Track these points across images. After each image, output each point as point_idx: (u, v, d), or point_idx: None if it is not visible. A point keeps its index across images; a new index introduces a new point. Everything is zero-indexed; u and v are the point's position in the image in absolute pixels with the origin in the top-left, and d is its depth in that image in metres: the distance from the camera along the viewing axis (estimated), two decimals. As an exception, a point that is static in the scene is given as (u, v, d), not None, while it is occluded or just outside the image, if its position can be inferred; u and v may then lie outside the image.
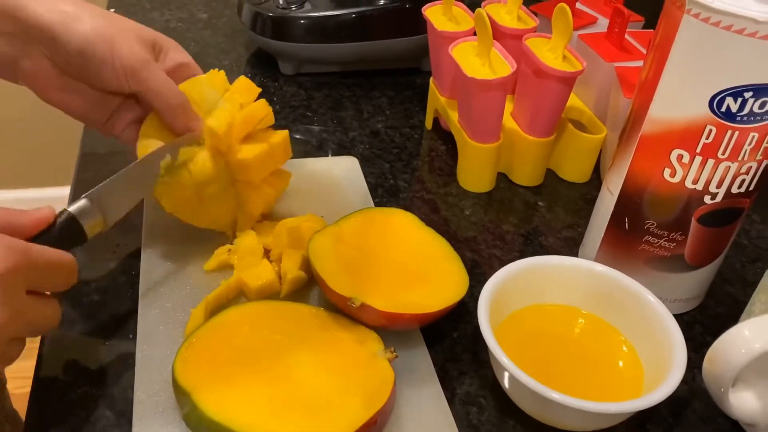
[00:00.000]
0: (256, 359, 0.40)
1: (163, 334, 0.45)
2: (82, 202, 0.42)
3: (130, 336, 0.45)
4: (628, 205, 0.47)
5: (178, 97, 0.47)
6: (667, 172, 0.44)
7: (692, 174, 0.43)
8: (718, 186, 0.44)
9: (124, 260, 0.51)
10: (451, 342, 0.47)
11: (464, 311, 0.50)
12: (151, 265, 0.50)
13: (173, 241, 0.51)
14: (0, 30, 0.45)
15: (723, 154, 0.42)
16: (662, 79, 0.42)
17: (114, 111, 0.50)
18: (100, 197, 0.42)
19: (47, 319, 0.39)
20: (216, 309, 0.45)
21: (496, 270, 0.45)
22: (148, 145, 0.48)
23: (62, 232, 0.40)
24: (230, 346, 0.41)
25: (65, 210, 0.41)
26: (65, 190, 0.60)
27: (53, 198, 1.67)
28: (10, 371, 0.74)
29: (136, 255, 0.51)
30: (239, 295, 0.48)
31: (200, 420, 0.37)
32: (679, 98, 0.42)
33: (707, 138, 0.42)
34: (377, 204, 0.58)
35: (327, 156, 0.64)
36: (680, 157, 0.43)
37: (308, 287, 0.49)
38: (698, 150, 0.42)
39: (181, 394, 0.38)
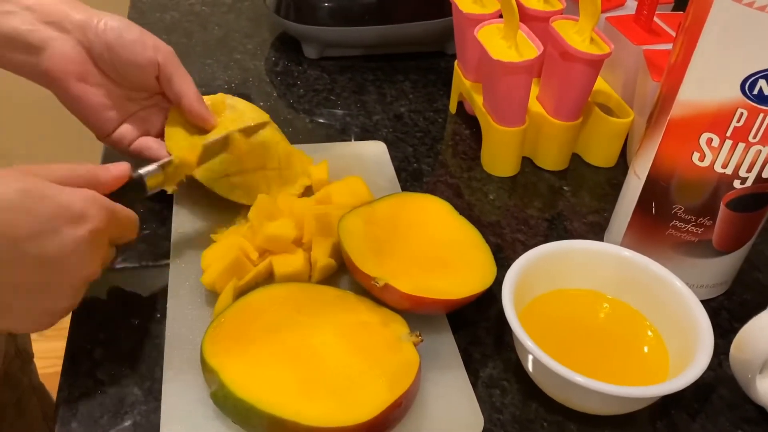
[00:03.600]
0: (283, 340, 0.41)
1: (192, 313, 0.45)
2: (152, 167, 0.48)
3: (158, 315, 0.46)
4: (656, 189, 0.47)
5: (198, 94, 0.52)
6: (695, 156, 0.43)
7: (722, 158, 0.43)
8: (749, 170, 0.43)
9: (154, 241, 0.52)
10: (474, 325, 0.47)
11: (488, 295, 0.49)
12: (181, 245, 0.50)
13: (204, 222, 0.52)
14: (43, 16, 0.47)
15: (754, 137, 0.41)
16: (692, 61, 0.41)
17: (125, 120, 0.53)
18: (167, 164, 0.49)
19: (107, 262, 0.44)
20: (244, 291, 0.45)
21: (519, 254, 0.45)
22: (173, 133, 0.52)
23: (130, 188, 0.45)
24: (257, 326, 0.41)
25: (137, 171, 0.47)
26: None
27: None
28: (39, 351, 0.76)
29: (166, 236, 0.51)
30: (268, 280, 0.48)
31: (227, 398, 0.38)
32: (710, 81, 0.41)
33: (738, 121, 0.41)
34: (400, 188, 0.58)
35: (350, 139, 0.64)
36: (710, 141, 0.42)
37: (338, 275, 0.49)
38: (728, 134, 0.42)
39: (208, 372, 0.39)
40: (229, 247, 0.47)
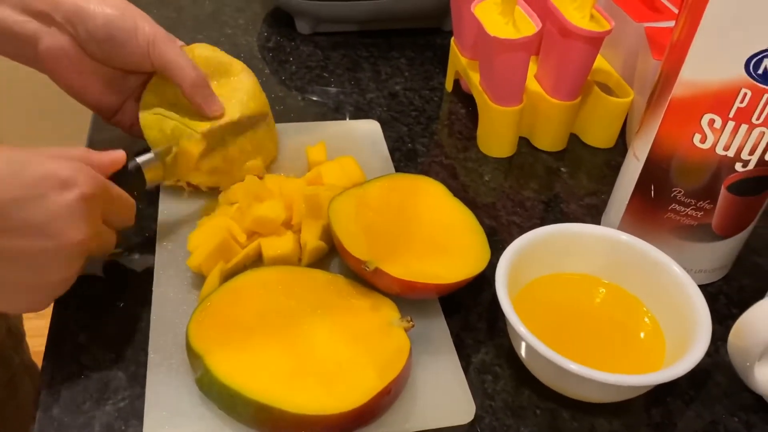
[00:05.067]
0: (270, 325, 0.40)
1: (178, 296, 0.44)
2: (149, 155, 0.46)
3: (144, 298, 0.45)
4: (655, 171, 0.45)
5: (198, 72, 0.49)
6: (697, 137, 0.42)
7: (724, 140, 0.41)
8: (751, 153, 0.42)
9: (140, 222, 0.50)
10: (467, 310, 0.46)
11: (482, 279, 0.48)
12: (167, 226, 0.49)
13: (192, 203, 0.51)
14: (31, 7, 0.46)
15: (758, 119, 0.40)
16: (695, 39, 0.40)
17: (127, 99, 0.51)
18: (164, 154, 0.48)
19: (108, 246, 0.43)
20: (232, 274, 0.44)
21: (515, 237, 0.44)
22: (149, 118, 0.49)
23: (128, 177, 0.45)
24: (245, 310, 0.40)
25: (134, 159, 0.46)
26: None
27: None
28: (31, 329, 0.76)
29: (152, 217, 0.50)
30: (257, 262, 0.47)
31: (212, 384, 0.37)
32: (713, 60, 0.40)
33: (741, 102, 0.40)
34: (394, 169, 0.57)
35: (344, 118, 0.63)
36: (711, 122, 0.41)
37: (328, 258, 0.48)
38: (731, 115, 0.40)
39: (194, 357, 0.38)
40: (216, 229, 0.45)
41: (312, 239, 0.46)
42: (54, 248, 0.37)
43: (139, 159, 0.46)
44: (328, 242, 0.47)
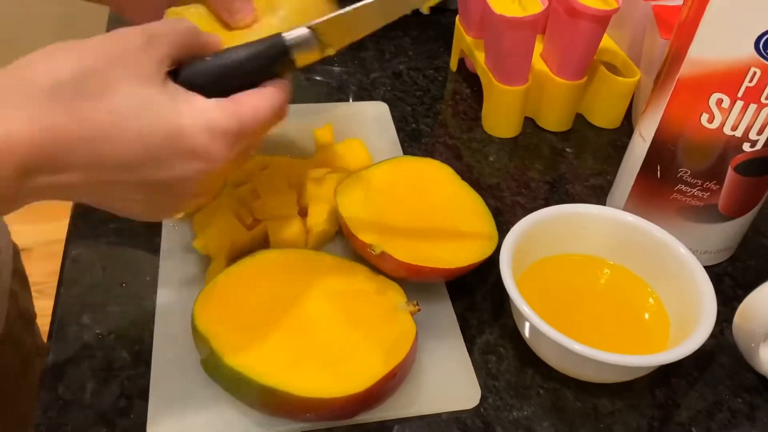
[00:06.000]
0: (276, 307, 0.40)
1: (184, 277, 0.44)
2: (302, 33, 0.36)
3: (149, 279, 0.45)
4: (661, 152, 0.45)
5: None
6: (704, 117, 0.42)
7: (732, 120, 0.41)
8: (759, 133, 0.41)
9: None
10: (471, 291, 0.46)
11: (487, 260, 0.48)
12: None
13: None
14: None
15: (767, 98, 0.39)
16: (704, 18, 0.39)
17: None
18: (324, 31, 0.37)
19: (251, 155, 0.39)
20: (238, 257, 0.44)
21: (519, 218, 0.44)
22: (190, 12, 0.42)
23: (269, 60, 0.36)
24: (250, 293, 0.40)
25: (280, 36, 0.36)
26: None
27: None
28: (39, 309, 0.76)
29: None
30: (263, 245, 0.47)
31: (217, 366, 0.37)
32: (722, 39, 0.39)
33: (750, 81, 0.39)
34: (402, 151, 0.57)
35: (347, 98, 0.62)
36: (719, 102, 0.41)
37: (335, 241, 0.48)
38: (740, 94, 0.40)
39: (199, 339, 0.38)
40: (223, 210, 0.45)
41: (319, 223, 0.45)
42: (180, 200, 0.35)
43: (289, 37, 0.36)
44: (334, 226, 0.47)
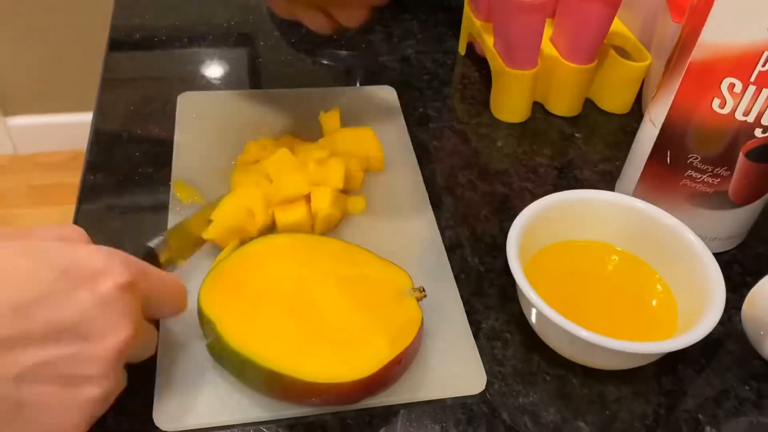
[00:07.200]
0: (283, 292, 0.40)
1: (190, 262, 0.44)
2: (159, 239, 0.42)
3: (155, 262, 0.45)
4: (672, 137, 0.44)
5: None
6: (716, 102, 0.41)
7: (744, 105, 0.40)
8: (771, 118, 0.41)
9: (151, 186, 0.50)
10: (478, 276, 0.46)
11: (493, 246, 0.48)
12: (179, 189, 0.49)
13: (205, 164, 0.51)
14: None
15: (780, 83, 0.39)
16: (717, 1, 0.39)
17: None
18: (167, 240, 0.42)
19: (150, 345, 0.36)
20: (245, 240, 0.44)
21: (527, 204, 0.44)
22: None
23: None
24: (257, 277, 0.40)
25: (146, 245, 0.41)
26: (88, 116, 0.59)
27: (79, 123, 1.68)
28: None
29: (163, 181, 0.50)
30: (271, 230, 0.46)
31: (223, 350, 0.37)
32: (736, 22, 0.38)
33: (763, 65, 0.38)
34: (409, 137, 0.56)
35: (355, 82, 0.62)
36: (732, 87, 0.40)
37: (342, 225, 0.47)
38: (752, 79, 0.39)
39: (205, 323, 0.38)
40: (236, 208, 0.45)
41: (323, 207, 0.45)
42: (90, 353, 0.30)
43: (151, 243, 0.42)
44: (340, 209, 0.46)
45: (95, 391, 0.31)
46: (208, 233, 0.44)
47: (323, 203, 0.45)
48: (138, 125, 0.55)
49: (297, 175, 0.46)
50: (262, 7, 0.71)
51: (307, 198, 0.46)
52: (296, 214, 0.45)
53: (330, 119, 0.53)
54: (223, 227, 0.44)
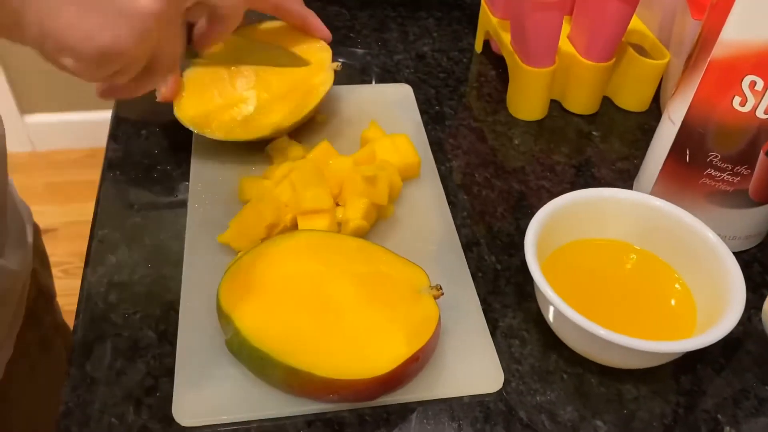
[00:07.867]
0: (301, 289, 0.40)
1: (209, 258, 0.45)
2: None
3: (174, 259, 0.45)
4: (691, 135, 0.44)
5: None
6: (736, 100, 0.41)
7: (765, 103, 0.40)
8: (793, 117, 0.40)
9: (171, 182, 0.51)
10: (494, 274, 0.46)
11: (510, 244, 0.48)
12: (198, 188, 0.49)
13: (224, 163, 0.51)
14: None
15: (802, 81, 0.38)
16: (739, -3, 0.38)
17: None
18: None
19: (176, 53, 0.37)
20: (264, 239, 0.44)
21: (544, 203, 0.43)
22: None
23: None
24: (275, 274, 0.40)
25: None
26: (106, 114, 0.59)
27: (97, 121, 1.69)
28: (59, 289, 0.77)
29: (183, 178, 0.50)
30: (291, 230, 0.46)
31: (242, 346, 0.37)
32: (757, 19, 0.38)
33: (786, 63, 0.38)
34: (426, 135, 0.56)
35: (371, 80, 0.62)
36: (753, 84, 0.40)
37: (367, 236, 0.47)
38: (774, 77, 0.39)
39: (224, 319, 0.38)
40: (257, 220, 0.45)
41: (356, 217, 0.45)
42: None
43: None
44: (370, 221, 0.46)
45: (149, 4, 0.32)
46: (222, 238, 0.45)
47: (356, 213, 0.45)
48: (157, 122, 0.55)
49: (319, 190, 0.45)
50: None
51: (338, 204, 0.46)
52: (319, 225, 0.45)
53: (372, 132, 0.53)
54: (239, 233, 0.44)
